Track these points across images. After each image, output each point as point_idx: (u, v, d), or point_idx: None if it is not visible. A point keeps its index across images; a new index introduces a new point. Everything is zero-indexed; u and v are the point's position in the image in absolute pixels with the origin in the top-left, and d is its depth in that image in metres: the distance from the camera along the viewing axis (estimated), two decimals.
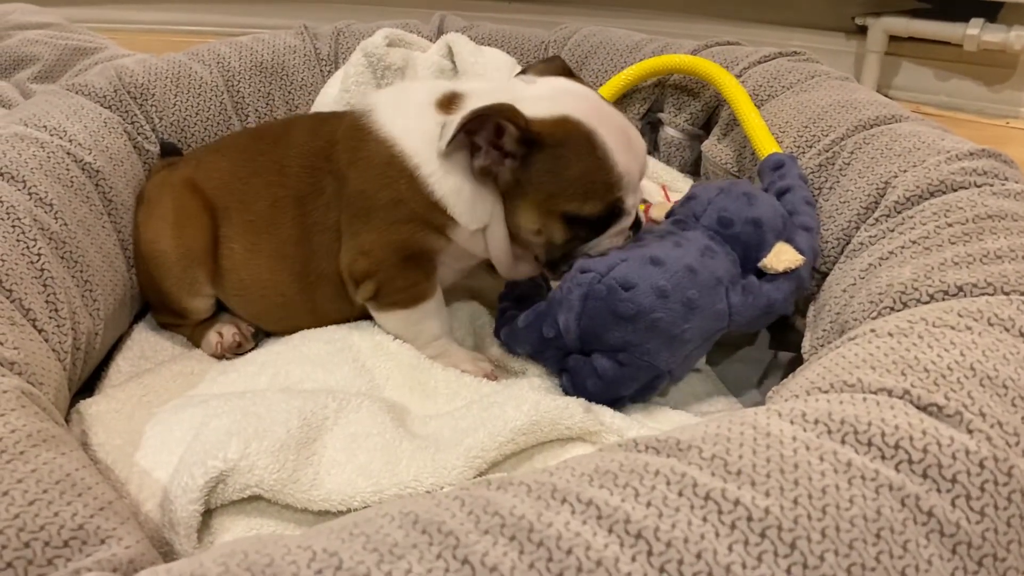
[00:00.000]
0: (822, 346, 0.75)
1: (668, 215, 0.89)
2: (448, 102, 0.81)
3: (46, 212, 0.83)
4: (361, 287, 0.85)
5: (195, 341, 0.95)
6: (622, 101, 1.22)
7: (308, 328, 0.90)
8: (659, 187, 1.14)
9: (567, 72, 0.87)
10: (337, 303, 0.88)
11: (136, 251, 0.96)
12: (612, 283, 0.75)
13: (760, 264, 0.79)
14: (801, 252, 0.80)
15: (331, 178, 0.85)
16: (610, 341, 0.76)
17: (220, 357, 0.92)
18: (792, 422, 0.51)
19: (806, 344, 0.81)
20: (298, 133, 0.91)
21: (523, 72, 0.91)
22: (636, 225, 0.82)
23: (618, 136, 0.77)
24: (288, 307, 0.91)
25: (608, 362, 0.77)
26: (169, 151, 1.09)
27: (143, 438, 0.71)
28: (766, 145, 0.97)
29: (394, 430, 0.70)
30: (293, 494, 0.64)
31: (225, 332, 0.92)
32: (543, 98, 0.78)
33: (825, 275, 0.84)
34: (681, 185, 1.15)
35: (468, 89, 0.83)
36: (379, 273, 0.83)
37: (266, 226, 0.89)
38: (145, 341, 0.95)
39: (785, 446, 0.48)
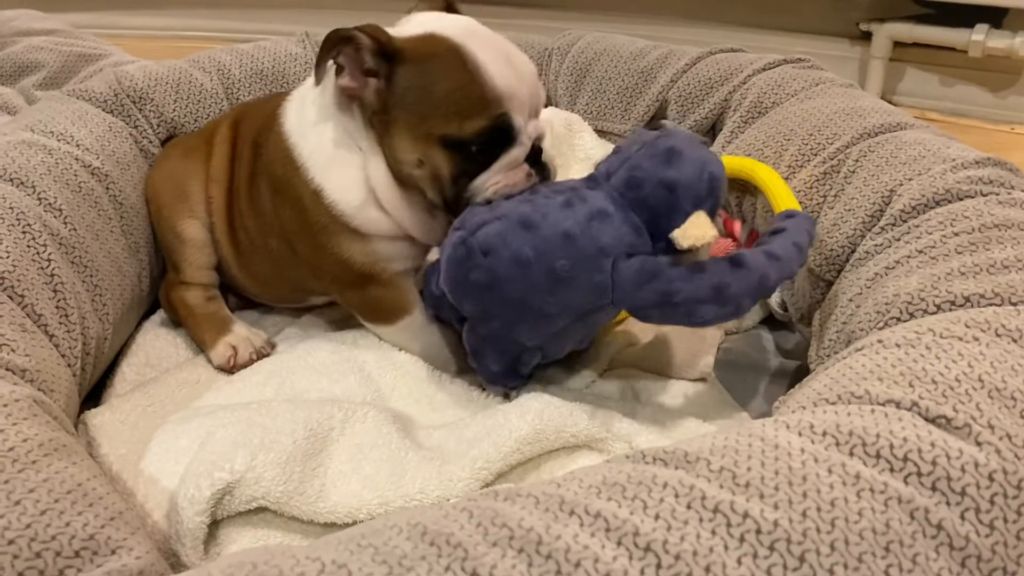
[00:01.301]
0: (828, 356, 0.75)
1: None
2: None
3: (55, 217, 0.83)
4: (339, 299, 0.87)
5: (204, 342, 0.92)
6: (627, 106, 1.21)
7: (278, 294, 0.95)
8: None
9: (451, 8, 0.83)
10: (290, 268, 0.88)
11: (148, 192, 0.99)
12: (473, 245, 0.69)
13: (671, 235, 0.68)
14: (745, 265, 0.68)
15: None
16: (468, 308, 0.71)
17: (229, 371, 0.89)
18: (800, 434, 0.51)
19: (812, 354, 0.81)
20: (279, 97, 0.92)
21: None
22: (545, 172, 0.76)
23: (493, 52, 0.72)
24: (252, 254, 0.92)
25: (468, 331, 0.72)
26: None
27: (149, 448, 0.71)
28: (785, 204, 0.88)
29: (400, 441, 0.70)
30: (299, 506, 0.64)
31: (241, 349, 0.89)
32: (414, 25, 0.76)
33: (830, 284, 0.84)
34: None
35: None
36: (341, 289, 0.83)
37: (239, 157, 0.92)
38: (150, 346, 0.94)
39: (793, 458, 0.48)
